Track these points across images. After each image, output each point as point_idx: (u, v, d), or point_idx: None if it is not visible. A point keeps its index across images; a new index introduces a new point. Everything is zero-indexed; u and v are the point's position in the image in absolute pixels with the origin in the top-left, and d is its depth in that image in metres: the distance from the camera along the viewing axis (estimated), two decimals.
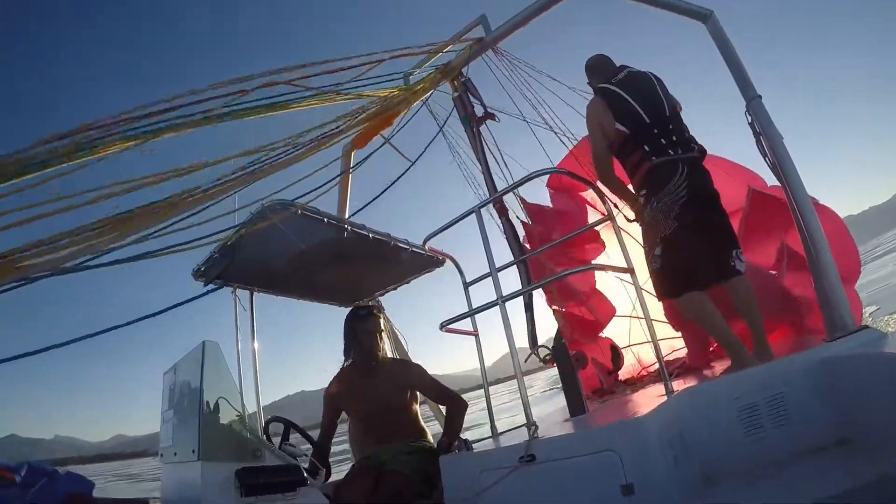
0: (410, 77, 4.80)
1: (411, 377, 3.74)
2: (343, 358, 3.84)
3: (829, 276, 2.93)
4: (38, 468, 2.35)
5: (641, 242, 3.30)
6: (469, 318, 3.50)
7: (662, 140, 3.11)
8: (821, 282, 2.96)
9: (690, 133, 3.25)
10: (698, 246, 3.00)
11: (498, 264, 3.24)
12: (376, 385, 3.60)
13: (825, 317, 2.94)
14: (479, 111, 5.07)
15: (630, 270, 3.10)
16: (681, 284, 3.03)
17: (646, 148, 3.10)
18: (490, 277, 3.12)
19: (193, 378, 2.68)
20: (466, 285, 3.78)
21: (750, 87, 3.34)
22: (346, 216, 5.04)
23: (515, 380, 2.92)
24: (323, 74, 3.74)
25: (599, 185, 3.49)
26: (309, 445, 3.53)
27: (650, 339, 3.05)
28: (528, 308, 4.48)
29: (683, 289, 3.02)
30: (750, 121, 3.28)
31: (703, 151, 3.20)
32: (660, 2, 3.77)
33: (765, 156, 3.23)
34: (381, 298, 5.06)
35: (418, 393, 3.82)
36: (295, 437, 3.50)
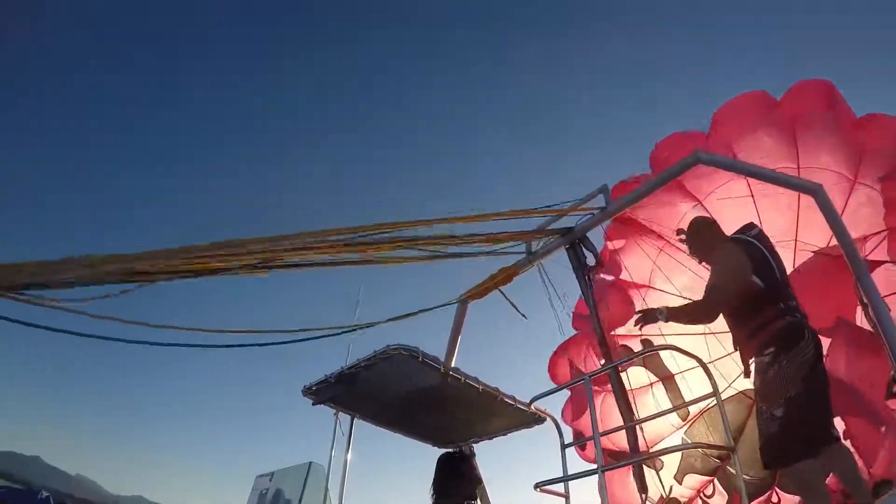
0: (532, 243, 5.06)
1: None
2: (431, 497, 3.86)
3: None
4: None
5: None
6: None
7: (791, 302, 3.16)
8: None
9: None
10: (821, 411, 2.90)
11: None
12: None
13: None
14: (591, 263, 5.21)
15: (729, 447, 3.05)
16: (799, 450, 2.84)
17: (781, 306, 3.12)
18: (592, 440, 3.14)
19: (292, 493, 2.84)
20: (564, 447, 3.77)
21: (858, 258, 3.36)
22: (454, 362, 5.20)
23: None
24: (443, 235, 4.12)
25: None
26: None
27: None
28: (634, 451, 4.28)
29: (802, 455, 2.84)
30: (858, 294, 3.36)
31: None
32: (772, 178, 3.92)
33: (874, 327, 3.23)
34: (474, 445, 5.05)
35: None
36: None
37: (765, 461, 3.05)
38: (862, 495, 2.95)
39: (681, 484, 3.60)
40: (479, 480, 3.84)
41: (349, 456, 4.46)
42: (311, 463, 2.98)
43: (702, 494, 5.12)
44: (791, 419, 2.85)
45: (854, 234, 3.83)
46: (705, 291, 3.35)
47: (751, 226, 3.57)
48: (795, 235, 5.02)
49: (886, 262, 4.12)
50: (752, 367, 3.28)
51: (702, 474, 3.67)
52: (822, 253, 4.42)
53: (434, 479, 3.83)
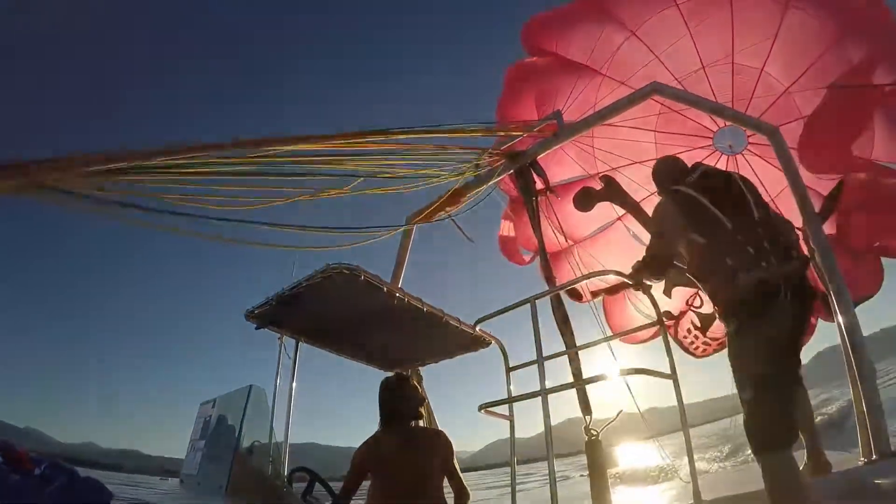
0: (479, 164, 4.98)
1: (445, 452, 3.70)
2: (380, 421, 3.87)
3: (870, 397, 2.89)
4: (59, 466, 2.29)
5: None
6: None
7: (750, 249, 2.57)
8: (861, 403, 2.92)
9: (792, 237, 2.87)
10: (783, 405, 2.46)
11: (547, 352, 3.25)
12: (410, 455, 3.57)
13: (862, 438, 2.89)
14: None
15: (672, 377, 3.12)
16: (774, 446, 2.37)
17: (728, 261, 2.59)
18: (536, 365, 3.13)
19: (234, 417, 2.77)
20: (509, 370, 3.81)
21: (807, 202, 3.38)
22: (400, 285, 5.17)
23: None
24: (392, 145, 3.94)
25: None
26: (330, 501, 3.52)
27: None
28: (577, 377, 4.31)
29: (780, 443, 2.36)
30: (805, 236, 3.33)
31: (805, 260, 2.77)
32: (731, 115, 3.90)
33: (820, 276, 3.25)
34: (420, 369, 5.11)
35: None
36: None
37: (752, 447, 2.54)
38: (813, 438, 2.99)
39: (670, 297, 3.68)
40: (422, 400, 3.86)
41: (294, 381, 4.43)
42: (251, 386, 2.91)
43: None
44: (752, 412, 2.48)
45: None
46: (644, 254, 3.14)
47: (694, 167, 3.15)
48: (732, 58, 5.13)
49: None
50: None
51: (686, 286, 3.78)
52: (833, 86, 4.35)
53: (379, 401, 3.83)
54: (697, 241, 2.73)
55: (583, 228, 6.08)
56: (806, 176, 4.88)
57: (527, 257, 6.27)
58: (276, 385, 4.36)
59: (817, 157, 4.31)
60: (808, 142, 4.28)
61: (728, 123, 5.07)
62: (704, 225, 2.72)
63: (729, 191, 2.84)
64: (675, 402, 3.04)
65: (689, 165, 3.22)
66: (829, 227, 4.45)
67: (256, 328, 3.99)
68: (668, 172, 3.28)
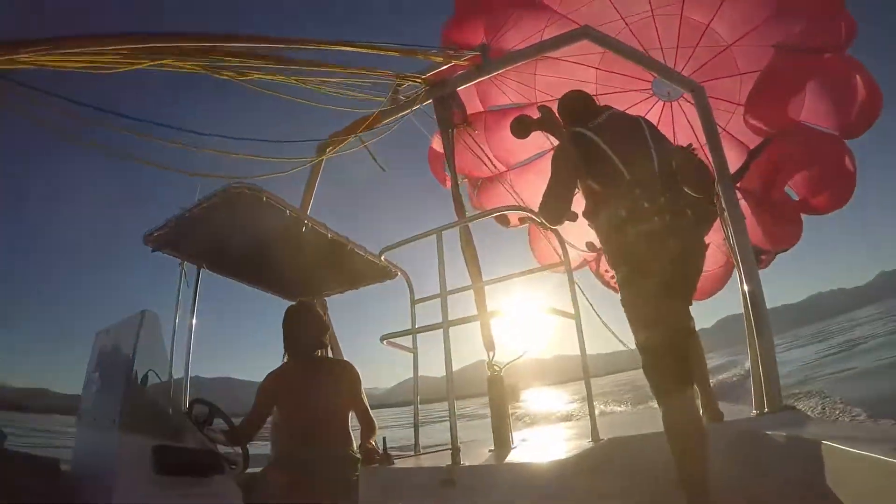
0: (399, 87, 4.81)
1: (352, 382, 3.69)
2: (283, 352, 3.80)
3: (766, 353, 3.06)
4: None
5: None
6: (410, 337, 3.54)
7: (645, 203, 2.53)
8: (757, 359, 3.09)
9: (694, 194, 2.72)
10: (679, 338, 2.50)
11: (455, 284, 3.25)
12: (315, 385, 3.54)
13: (756, 390, 3.08)
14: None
15: (576, 317, 3.20)
16: (670, 389, 2.43)
17: (623, 213, 2.56)
18: (439, 299, 3.14)
19: (126, 345, 2.60)
20: (414, 302, 3.82)
21: (724, 166, 3.49)
22: (308, 213, 5.00)
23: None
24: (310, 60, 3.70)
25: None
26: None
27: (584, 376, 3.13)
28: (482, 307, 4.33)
29: (676, 386, 2.42)
30: (717, 195, 3.39)
31: (704, 217, 2.77)
32: (659, 68, 3.93)
33: (728, 236, 3.39)
34: (326, 299, 5.03)
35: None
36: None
37: (651, 388, 2.60)
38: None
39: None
40: (326, 328, 3.82)
41: (196, 309, 4.23)
42: (143, 312, 2.70)
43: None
44: (647, 356, 2.52)
45: None
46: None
47: (602, 109, 3.03)
48: (682, 9, 5.22)
49: None
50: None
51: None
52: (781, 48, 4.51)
53: (283, 330, 3.76)
54: (593, 187, 2.71)
55: (518, 155, 6.08)
56: (738, 129, 5.11)
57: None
58: (176, 312, 4.17)
59: (758, 116, 4.50)
60: (753, 100, 4.48)
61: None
62: (603, 172, 2.66)
63: (633, 138, 2.78)
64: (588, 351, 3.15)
65: (600, 106, 3.11)
66: (756, 182, 4.69)
67: (153, 251, 3.76)
68: (575, 110, 3.15)
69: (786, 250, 5.13)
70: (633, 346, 2.64)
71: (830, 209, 4.57)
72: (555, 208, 2.84)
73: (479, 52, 4.88)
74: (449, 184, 5.93)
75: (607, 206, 2.65)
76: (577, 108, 3.15)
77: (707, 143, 3.59)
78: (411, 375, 3.92)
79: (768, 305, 3.27)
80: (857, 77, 4.13)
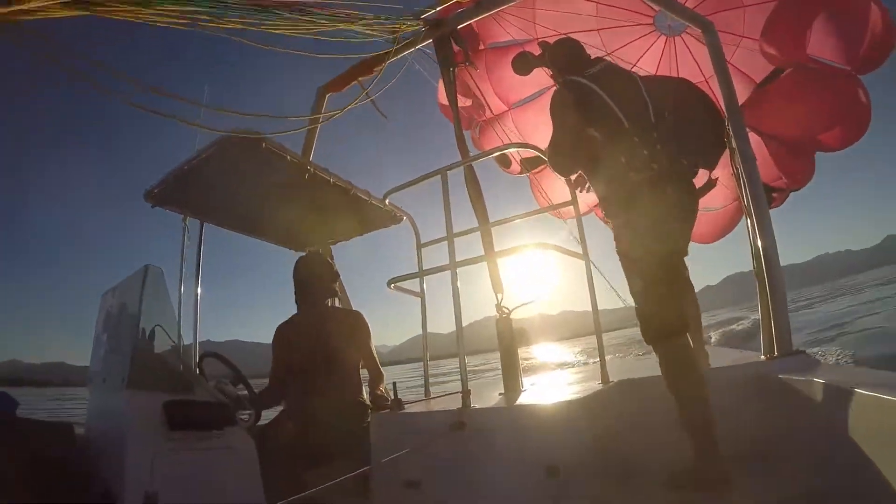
0: (398, 29, 4.66)
1: (361, 333, 3.72)
2: (295, 302, 3.81)
3: (777, 297, 3.01)
4: None
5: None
6: (418, 280, 3.52)
7: (644, 151, 2.58)
8: (767, 300, 3.05)
9: (689, 143, 2.85)
10: (667, 292, 2.52)
11: (460, 229, 3.20)
12: (325, 334, 3.56)
13: (765, 335, 3.04)
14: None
15: (584, 258, 3.16)
16: (669, 332, 2.48)
17: (622, 159, 2.60)
18: (445, 242, 3.09)
19: (131, 302, 2.58)
20: (420, 246, 3.79)
21: (734, 103, 3.37)
22: (311, 159, 4.92)
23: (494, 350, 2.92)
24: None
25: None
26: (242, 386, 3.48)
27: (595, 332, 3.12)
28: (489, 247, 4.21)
29: (672, 330, 2.47)
30: (728, 136, 3.33)
31: (695, 165, 2.83)
32: (669, 5, 3.78)
33: (738, 175, 3.29)
34: (332, 247, 5.00)
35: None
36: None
37: (643, 335, 2.66)
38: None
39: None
40: (336, 276, 3.83)
41: (200, 264, 4.21)
42: (146, 267, 2.67)
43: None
44: (643, 301, 2.57)
45: None
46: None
47: (596, 60, 3.00)
48: None
49: None
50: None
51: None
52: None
53: (293, 281, 3.77)
54: (593, 135, 2.70)
55: (519, 91, 5.96)
56: (741, 62, 4.93)
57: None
58: (181, 270, 4.16)
59: (773, 47, 4.33)
60: (767, 31, 4.31)
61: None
62: (602, 120, 2.67)
63: (629, 88, 2.78)
64: (588, 308, 3.12)
65: (592, 58, 3.09)
66: (769, 116, 4.58)
67: (153, 206, 3.73)
68: (569, 58, 3.14)
69: (798, 189, 5.03)
70: (631, 302, 2.66)
71: (844, 145, 4.45)
72: (563, 159, 2.86)
73: None
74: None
75: (606, 153, 2.68)
76: (570, 56, 3.13)
77: (717, 79, 3.45)
78: (419, 332, 3.92)
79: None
80: (871, 8, 3.91)
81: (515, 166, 5.80)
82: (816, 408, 2.09)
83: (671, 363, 2.44)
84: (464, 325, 2.84)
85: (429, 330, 3.90)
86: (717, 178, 3.14)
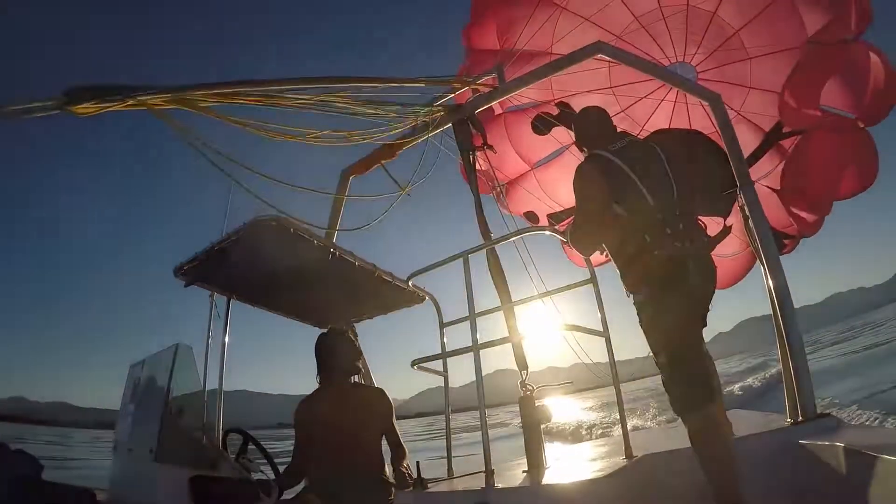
0: (417, 117, 4.88)
1: (385, 410, 3.71)
2: (317, 379, 3.83)
3: (798, 359, 3.00)
4: None
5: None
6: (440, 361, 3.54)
7: (668, 230, 2.59)
8: (789, 364, 3.03)
9: (702, 217, 2.85)
10: (692, 370, 2.52)
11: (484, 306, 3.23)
12: (349, 412, 3.55)
13: (789, 399, 3.01)
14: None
15: (605, 334, 3.17)
16: (695, 405, 2.46)
17: (646, 238, 2.60)
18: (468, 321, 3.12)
19: (161, 378, 2.65)
20: (443, 326, 3.82)
21: (745, 174, 3.47)
22: (335, 240, 5.06)
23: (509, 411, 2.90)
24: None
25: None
26: (264, 459, 3.46)
27: (617, 403, 3.12)
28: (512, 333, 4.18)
29: (700, 402, 2.45)
30: (741, 204, 3.40)
31: (713, 242, 2.78)
32: (674, 80, 3.93)
33: (752, 239, 3.35)
34: (355, 325, 5.04)
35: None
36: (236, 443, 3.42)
37: (672, 407, 2.64)
38: None
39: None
40: (359, 354, 3.85)
41: (227, 339, 4.28)
42: (178, 344, 2.76)
43: None
44: (670, 374, 2.56)
45: None
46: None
47: (621, 135, 3.04)
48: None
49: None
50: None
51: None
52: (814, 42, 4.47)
53: (316, 357, 3.80)
54: (619, 212, 2.69)
55: (538, 152, 6.14)
56: (750, 111, 5.13)
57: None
58: (207, 344, 4.23)
59: (791, 110, 4.47)
60: (787, 94, 4.44)
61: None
62: (627, 196, 2.66)
63: (652, 164, 2.77)
64: (601, 359, 3.11)
65: (618, 131, 3.12)
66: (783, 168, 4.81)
67: (185, 286, 3.83)
68: (595, 130, 3.14)
69: (810, 235, 5.10)
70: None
71: (857, 193, 4.63)
72: (586, 236, 2.89)
73: (495, 74, 4.97)
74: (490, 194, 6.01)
75: (631, 230, 2.68)
76: (597, 129, 3.14)
77: (726, 147, 3.55)
78: (427, 387, 3.92)
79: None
80: (874, 62, 4.09)
81: (543, 222, 5.94)
82: (843, 475, 2.06)
83: (697, 437, 2.42)
84: (470, 381, 2.84)
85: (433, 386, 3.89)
86: (731, 226, 3.20)
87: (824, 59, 4.27)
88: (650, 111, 5.97)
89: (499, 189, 5.85)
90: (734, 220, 3.62)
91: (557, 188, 6.00)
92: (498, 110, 5.88)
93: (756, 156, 4.91)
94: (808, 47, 4.43)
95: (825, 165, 4.54)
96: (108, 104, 2.49)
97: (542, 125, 3.45)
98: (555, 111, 3.41)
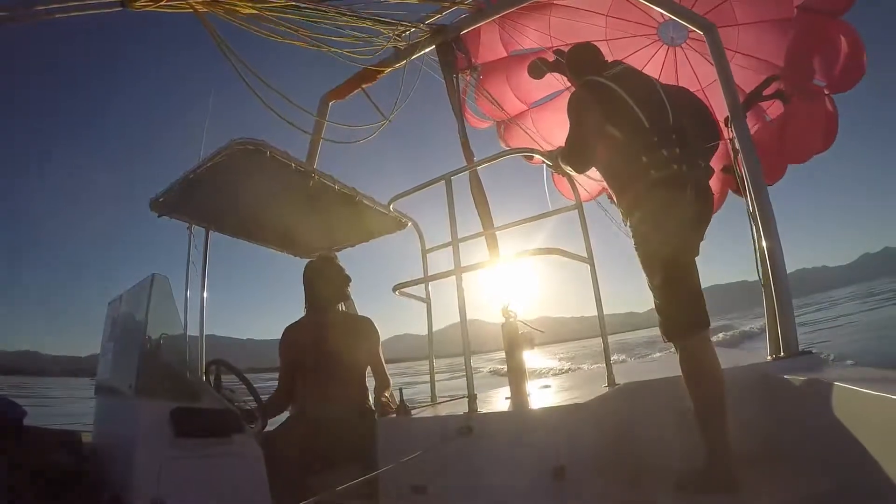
0: (403, 35, 4.69)
1: (370, 338, 3.70)
2: (305, 307, 3.82)
3: (783, 297, 3.01)
4: None
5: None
6: (423, 286, 3.51)
7: (664, 151, 2.56)
8: (772, 301, 3.04)
9: (704, 147, 2.79)
10: (688, 292, 2.51)
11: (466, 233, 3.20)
12: (335, 340, 3.54)
13: (771, 336, 3.03)
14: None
15: (589, 261, 3.15)
16: (692, 324, 2.46)
17: (644, 159, 2.58)
18: (451, 246, 3.10)
19: (138, 311, 2.58)
20: (425, 252, 3.79)
21: (737, 104, 3.38)
22: (315, 166, 4.94)
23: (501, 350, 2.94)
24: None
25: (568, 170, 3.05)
26: (248, 393, 3.46)
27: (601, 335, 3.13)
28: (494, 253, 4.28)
29: (694, 329, 2.46)
30: (731, 136, 3.35)
31: (710, 169, 2.77)
32: (671, 8, 3.80)
33: (741, 177, 3.30)
34: (337, 254, 4.98)
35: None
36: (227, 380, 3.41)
37: (662, 334, 2.62)
38: None
39: None
40: (347, 280, 3.82)
41: (206, 270, 4.22)
42: (153, 275, 2.67)
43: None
44: (664, 295, 2.54)
45: None
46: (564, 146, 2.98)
47: (614, 63, 3.03)
48: None
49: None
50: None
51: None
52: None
53: (304, 285, 3.77)
54: (614, 134, 2.67)
55: (535, 94, 6.27)
56: (738, 74, 5.08)
57: (484, 122, 6.37)
58: (187, 277, 4.17)
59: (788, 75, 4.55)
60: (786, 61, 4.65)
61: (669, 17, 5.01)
62: (622, 119, 2.65)
63: (648, 90, 2.76)
64: (567, 314, 3.09)
65: (610, 62, 3.09)
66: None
67: (158, 216, 3.72)
68: (586, 62, 3.14)
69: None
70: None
71: (818, 153, 4.90)
72: (580, 155, 2.83)
73: None
74: (475, 123, 5.98)
75: (626, 152, 2.65)
76: (588, 59, 3.15)
77: (720, 80, 3.51)
78: (397, 333, 3.93)
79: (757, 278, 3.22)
80: (848, 32, 4.18)
81: (538, 158, 5.97)
82: (824, 407, 2.08)
83: (692, 359, 2.42)
84: (444, 327, 2.84)
85: (409, 331, 3.91)
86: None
87: (816, 29, 4.36)
88: (641, 65, 5.88)
89: (475, 75, 5.83)
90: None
91: (551, 130, 6.09)
92: (503, 53, 5.89)
93: (746, 105, 5.00)
94: (801, 15, 4.49)
95: (801, 127, 4.66)
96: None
97: (535, 70, 3.41)
98: (551, 58, 3.37)
